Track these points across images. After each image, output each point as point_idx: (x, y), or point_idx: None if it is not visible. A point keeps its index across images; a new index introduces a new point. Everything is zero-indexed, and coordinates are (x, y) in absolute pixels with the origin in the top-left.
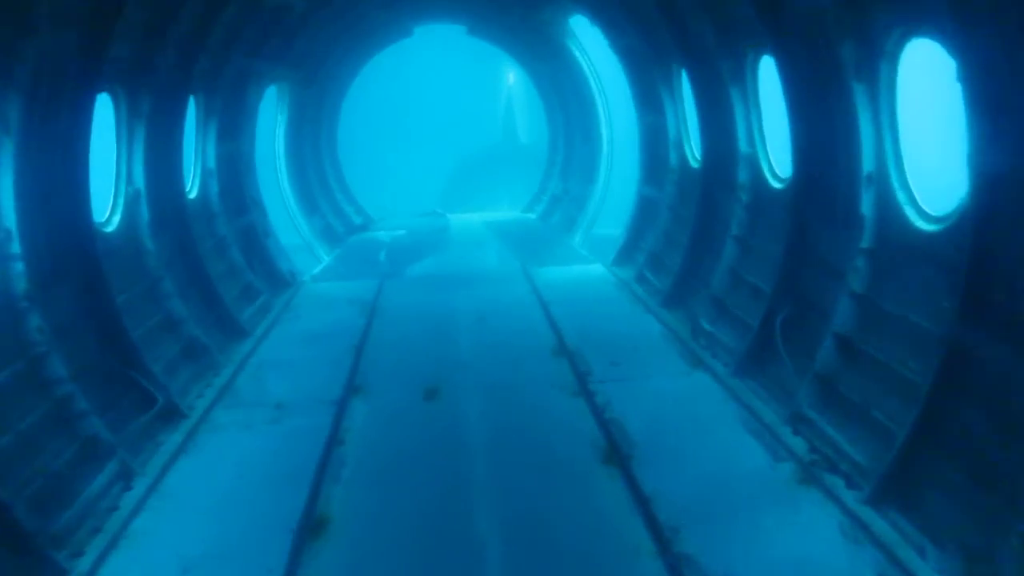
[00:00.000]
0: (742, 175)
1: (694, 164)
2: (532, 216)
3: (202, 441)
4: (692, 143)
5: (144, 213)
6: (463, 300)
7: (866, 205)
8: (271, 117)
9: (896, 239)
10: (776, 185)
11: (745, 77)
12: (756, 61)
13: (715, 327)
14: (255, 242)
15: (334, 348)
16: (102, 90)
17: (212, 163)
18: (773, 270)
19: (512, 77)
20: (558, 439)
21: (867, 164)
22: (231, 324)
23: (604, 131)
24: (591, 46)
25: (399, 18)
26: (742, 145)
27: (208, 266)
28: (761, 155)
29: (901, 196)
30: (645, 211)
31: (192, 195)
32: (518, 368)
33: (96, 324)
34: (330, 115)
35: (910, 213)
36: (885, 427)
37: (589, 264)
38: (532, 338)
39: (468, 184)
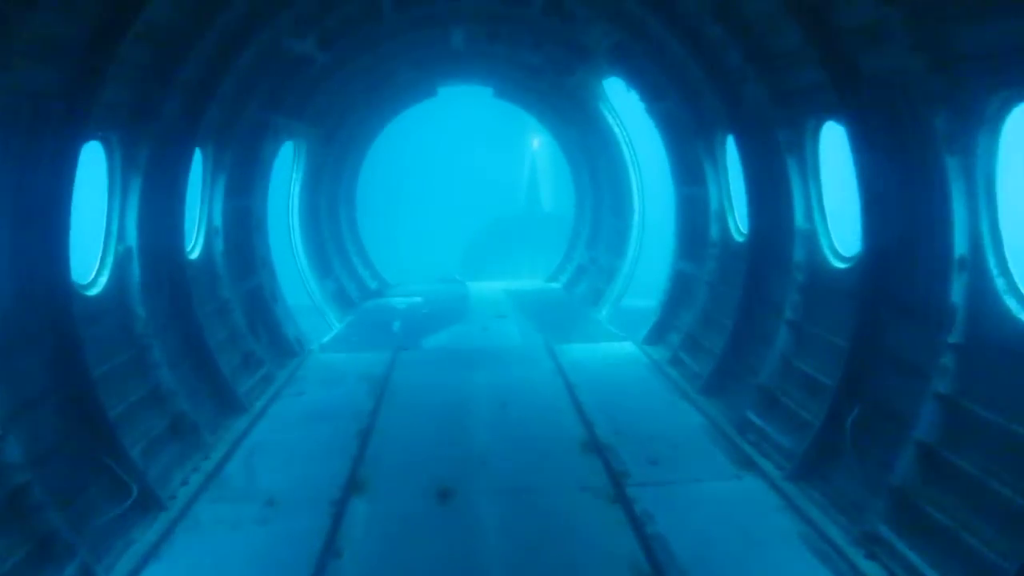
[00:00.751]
0: (798, 253)
1: (738, 238)
2: (556, 286)
3: (179, 542)
4: (737, 216)
5: (135, 274)
6: (482, 380)
7: (956, 293)
8: (286, 173)
9: (993, 333)
10: (838, 265)
11: (804, 146)
12: (818, 129)
13: (765, 421)
14: (261, 306)
15: (338, 432)
16: (92, 137)
17: (219, 220)
18: (836, 362)
19: (537, 142)
20: (592, 560)
21: (959, 246)
22: (228, 398)
23: (636, 201)
24: (625, 111)
25: (425, 78)
26: (799, 220)
27: (207, 333)
28: (820, 232)
29: (1000, 283)
30: (681, 287)
31: (194, 255)
32: (544, 466)
33: (66, 399)
34: (349, 174)
35: (1011, 303)
36: (981, 556)
37: (618, 342)
38: (559, 429)
39: (489, 251)
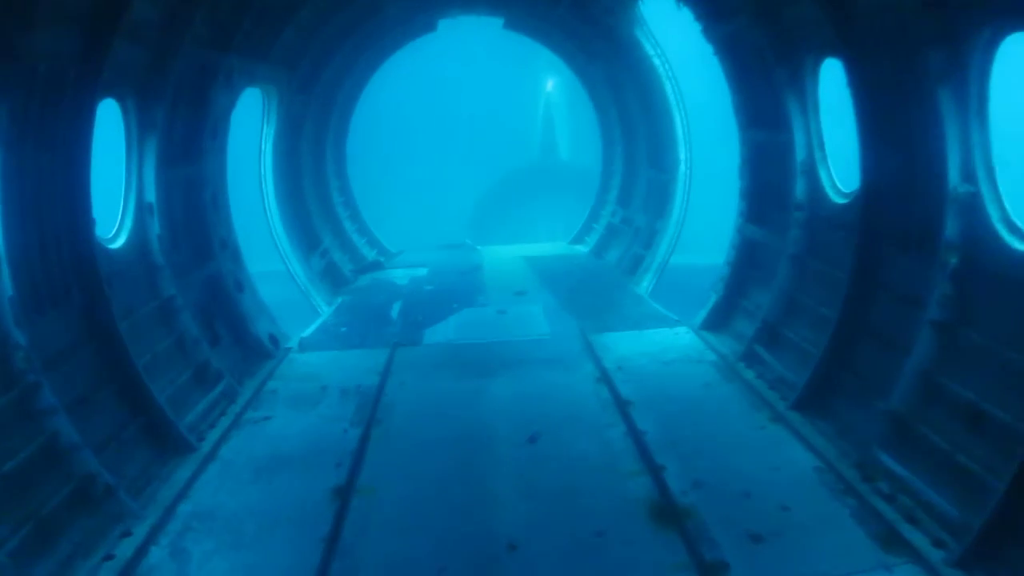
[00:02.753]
0: (950, 227)
1: (838, 199)
2: (582, 250)
3: None
4: (832, 171)
5: (5, 285)
6: (502, 394)
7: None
8: (253, 129)
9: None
10: (1019, 246)
11: (968, 73)
12: (991, 48)
13: (909, 468)
14: (222, 299)
15: (308, 491)
16: None
17: (152, 195)
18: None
19: (551, 84)
20: None
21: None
22: (166, 435)
23: (682, 150)
24: (668, 39)
25: (422, 8)
26: (953, 179)
27: (134, 350)
28: (988, 197)
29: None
30: (748, 258)
31: (117, 243)
32: (601, 553)
33: None
34: (337, 127)
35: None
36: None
37: (670, 328)
38: (614, 478)
39: (502, 209)
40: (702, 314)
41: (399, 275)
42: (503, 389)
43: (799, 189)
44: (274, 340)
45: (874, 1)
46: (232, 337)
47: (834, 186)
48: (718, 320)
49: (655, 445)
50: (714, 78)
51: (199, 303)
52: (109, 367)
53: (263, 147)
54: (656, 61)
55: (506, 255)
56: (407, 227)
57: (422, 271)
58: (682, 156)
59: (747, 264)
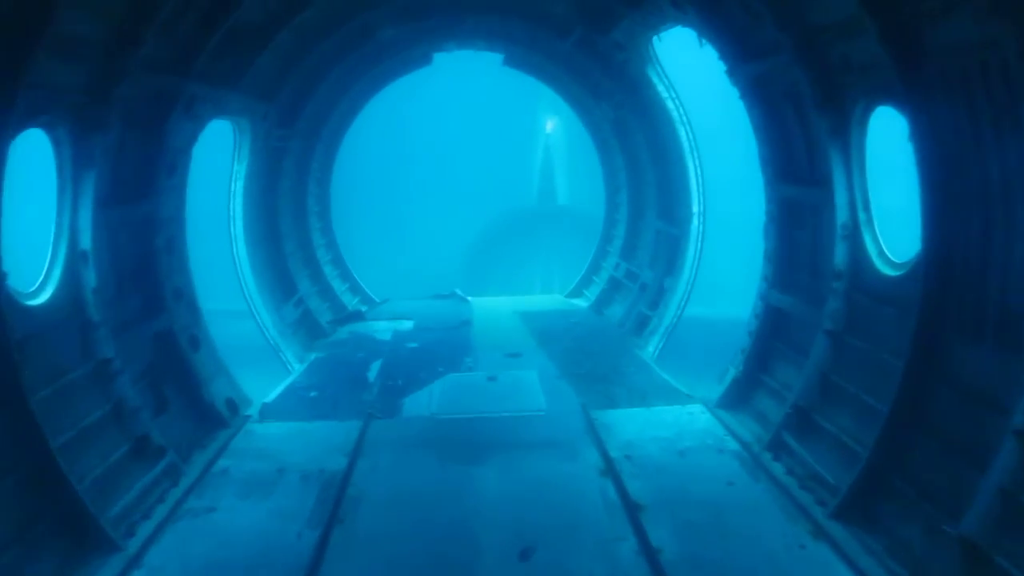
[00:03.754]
0: None
1: (888, 271)
2: (581, 304)
3: None
4: (879, 235)
5: None
6: (490, 491)
7: None
8: (218, 165)
9: None
10: None
11: None
12: None
13: None
14: (174, 359)
15: None
16: None
17: (87, 241)
18: None
19: (551, 125)
20: None
21: None
22: (84, 531)
23: (696, 201)
24: (682, 80)
25: (416, 39)
26: None
27: (51, 423)
28: None
29: None
30: (774, 329)
31: (39, 298)
32: None
33: None
34: (320, 164)
35: None
36: None
37: (682, 405)
38: None
39: (495, 254)
40: (719, 391)
41: (381, 328)
42: (492, 482)
43: (839, 255)
44: (232, 406)
45: (952, 38)
46: (183, 402)
47: (882, 254)
48: (737, 398)
49: (673, 569)
50: (728, 119)
51: (145, 364)
52: (17, 447)
53: (233, 187)
54: (670, 104)
55: (498, 309)
56: (394, 272)
57: (407, 324)
58: (695, 209)
59: (771, 335)
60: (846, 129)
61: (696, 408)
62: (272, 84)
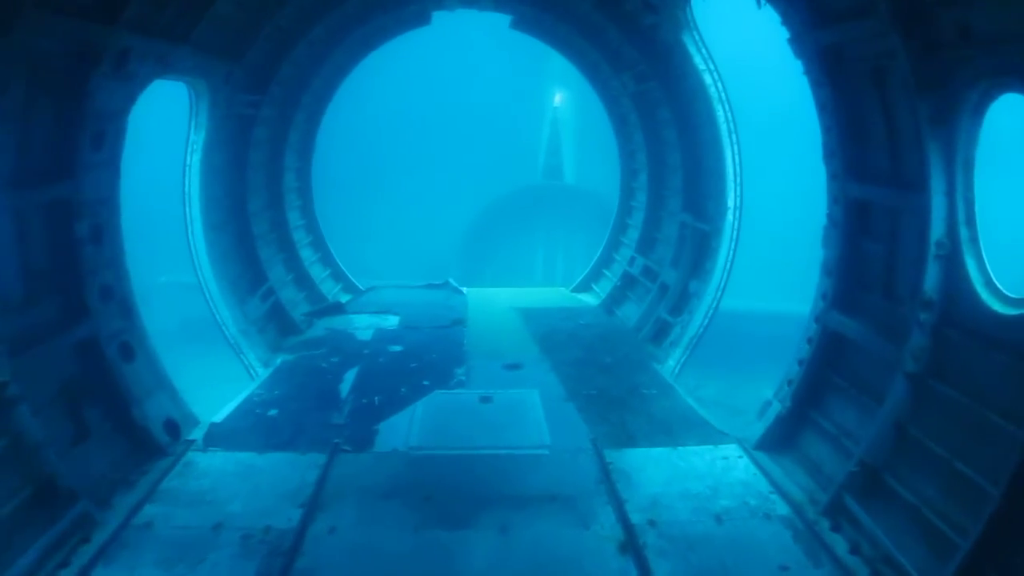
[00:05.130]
0: None
1: (1001, 307)
2: (590, 302)
3: None
4: (985, 259)
5: None
6: (479, 567)
7: None
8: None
9: None
10: None
11: None
12: None
13: None
14: (100, 373)
15: None
16: None
17: None
18: None
19: (560, 98)
20: None
21: None
22: None
23: (732, 195)
24: (723, 51)
25: None
26: None
27: None
28: None
29: None
30: (830, 358)
31: None
32: None
33: None
34: (302, 135)
35: None
36: None
37: (714, 445)
38: None
39: (495, 235)
40: (759, 429)
41: (363, 324)
42: (479, 559)
43: (930, 279)
44: (173, 428)
45: None
46: (110, 426)
47: (990, 284)
48: (781, 438)
49: None
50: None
51: (62, 382)
52: None
53: (188, 160)
54: (707, 78)
55: (497, 303)
56: (384, 255)
57: (391, 321)
58: (731, 203)
59: (826, 365)
60: (953, 118)
61: (732, 449)
62: (236, 40)
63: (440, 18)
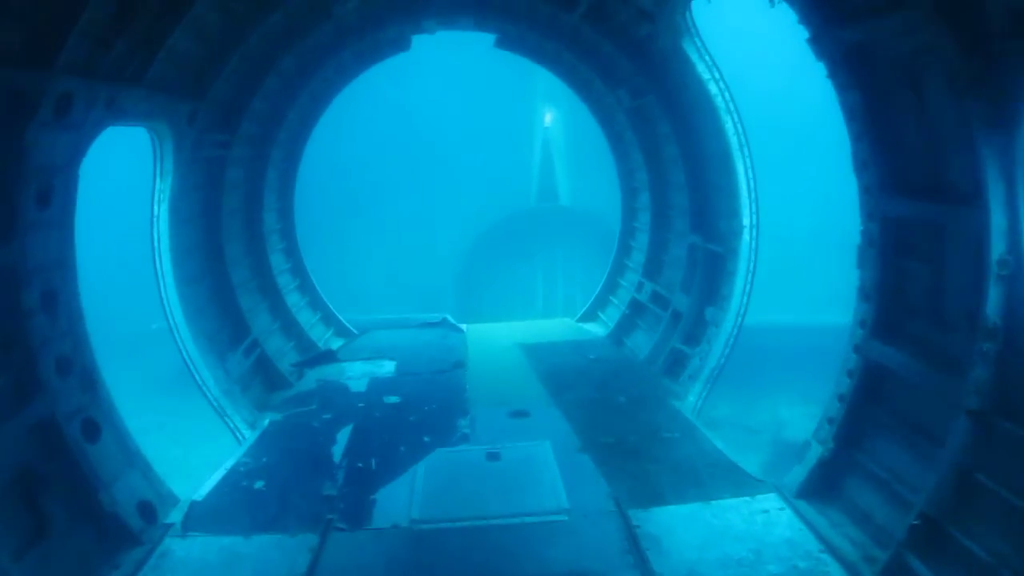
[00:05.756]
0: None
1: None
2: (597, 332)
3: None
4: None
5: None
6: None
7: None
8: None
9: None
10: None
11: None
12: None
13: None
14: (60, 456)
15: None
16: None
17: None
18: None
19: (550, 117)
20: None
21: None
22: None
23: (747, 212)
24: (730, 54)
25: (384, 18)
26: None
27: None
28: None
29: None
30: (873, 392)
31: None
32: None
33: None
34: (280, 174)
35: None
36: None
37: (751, 496)
38: None
39: (491, 264)
40: (798, 474)
41: (356, 373)
42: None
43: (992, 303)
44: (148, 511)
45: None
46: (74, 515)
47: None
48: (824, 484)
49: None
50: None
51: (14, 472)
52: None
53: (156, 211)
54: (712, 87)
55: (498, 340)
56: (376, 291)
57: (387, 367)
58: (746, 221)
59: (869, 400)
60: (1011, 119)
61: (771, 501)
62: (198, 77)
63: (421, 41)
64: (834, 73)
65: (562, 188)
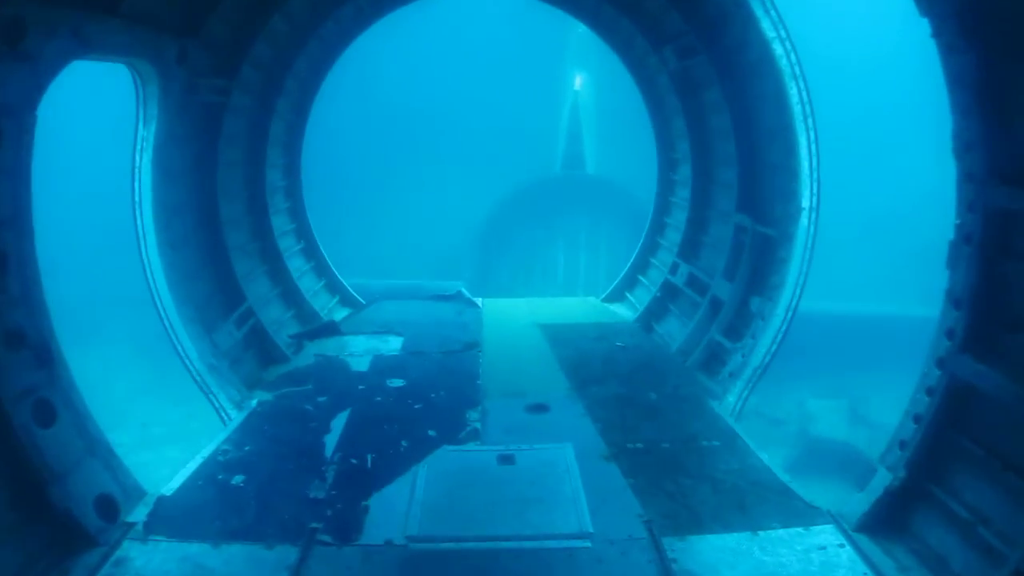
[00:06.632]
0: None
1: None
2: (625, 315)
3: None
4: None
5: None
6: None
7: None
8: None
9: None
10: None
11: None
12: None
13: None
14: (7, 445)
15: None
16: None
17: None
18: None
19: (580, 80)
20: None
21: None
22: None
23: (807, 193)
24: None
25: None
26: None
27: None
28: None
29: None
30: (958, 416)
31: None
32: None
33: None
34: (288, 126)
35: None
36: None
37: (805, 526)
38: None
39: (512, 233)
40: (861, 504)
41: (359, 349)
42: None
43: None
44: (108, 507)
45: None
46: (21, 514)
47: None
48: (890, 517)
49: None
50: None
51: None
52: None
53: (137, 160)
54: (777, 48)
55: (516, 318)
56: (395, 252)
57: (393, 344)
58: (806, 203)
59: (952, 425)
60: None
61: (828, 534)
62: (188, 9)
63: None
64: (941, 30)
65: (589, 156)
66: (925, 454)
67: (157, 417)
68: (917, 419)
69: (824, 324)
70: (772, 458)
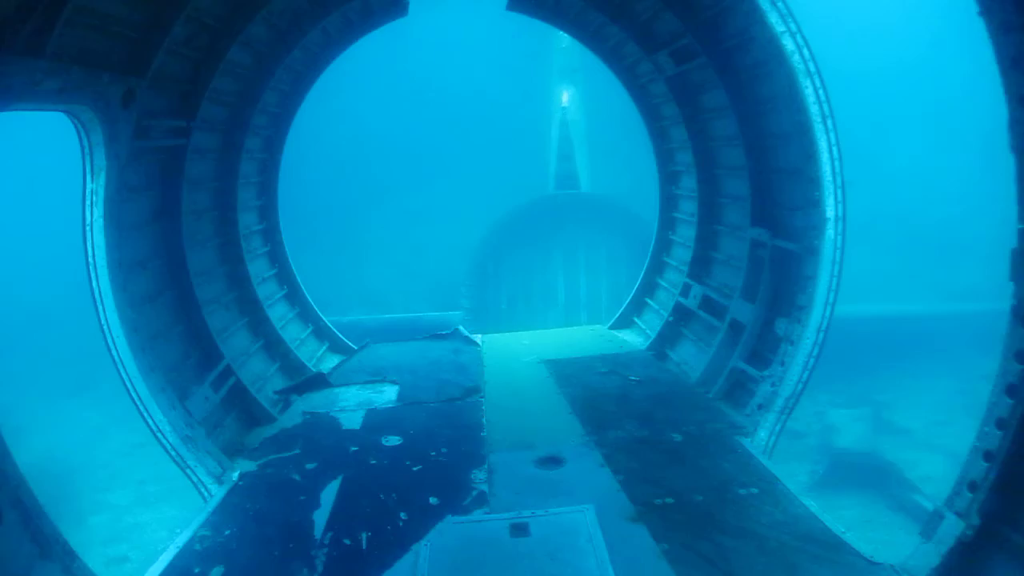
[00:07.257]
0: None
1: None
2: (635, 342)
3: None
4: None
5: None
6: None
7: None
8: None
9: None
10: None
11: None
12: None
13: None
14: None
15: None
16: None
17: None
18: None
19: (567, 96)
20: None
21: None
22: None
23: (831, 202)
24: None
25: None
26: None
27: None
28: None
29: None
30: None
31: None
32: None
33: None
34: (260, 166)
35: None
36: None
37: None
38: None
39: (507, 257)
40: (929, 556)
41: (350, 402)
42: None
43: None
44: None
45: None
46: None
47: None
48: (962, 569)
49: None
50: None
51: None
52: None
53: (89, 215)
54: (788, 42)
55: (518, 357)
56: (388, 282)
57: (387, 394)
58: (830, 213)
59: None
60: None
61: None
62: (134, 46)
63: (419, 7)
64: (992, 8)
65: (583, 173)
66: (1000, 498)
67: (154, 473)
68: (988, 456)
69: (840, 327)
70: (796, 476)
